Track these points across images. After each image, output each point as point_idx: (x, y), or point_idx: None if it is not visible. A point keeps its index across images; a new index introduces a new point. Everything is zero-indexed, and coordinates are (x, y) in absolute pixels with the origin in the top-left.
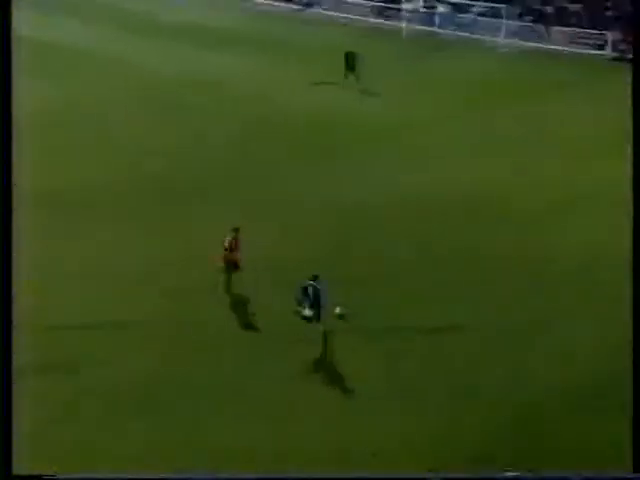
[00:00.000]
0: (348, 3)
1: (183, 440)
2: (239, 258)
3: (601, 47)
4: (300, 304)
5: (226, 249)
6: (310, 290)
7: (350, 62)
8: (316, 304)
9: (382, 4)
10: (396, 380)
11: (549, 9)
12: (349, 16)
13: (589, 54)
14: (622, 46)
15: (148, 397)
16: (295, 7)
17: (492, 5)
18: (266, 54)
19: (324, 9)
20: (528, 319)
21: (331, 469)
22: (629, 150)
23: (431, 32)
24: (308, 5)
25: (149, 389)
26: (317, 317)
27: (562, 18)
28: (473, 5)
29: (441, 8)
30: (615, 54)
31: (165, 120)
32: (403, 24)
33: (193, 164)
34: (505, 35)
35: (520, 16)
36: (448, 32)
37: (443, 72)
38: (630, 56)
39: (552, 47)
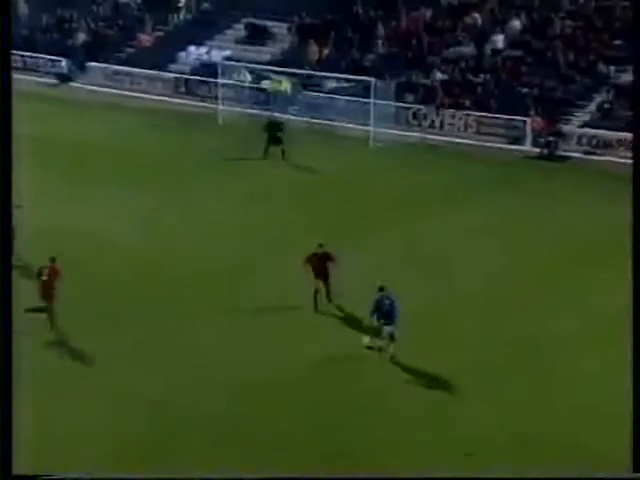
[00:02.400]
0: (132, 74)
1: None
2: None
3: (516, 140)
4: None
5: None
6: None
7: (273, 133)
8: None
9: (189, 76)
10: None
11: (439, 83)
12: (134, 94)
13: (498, 149)
14: (545, 139)
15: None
16: (44, 81)
17: (355, 79)
18: None
19: (90, 83)
20: None
21: None
22: None
23: (262, 117)
24: (64, 78)
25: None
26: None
27: (459, 96)
28: (327, 78)
29: (282, 84)
30: (536, 150)
31: None
32: (219, 106)
33: None
34: (377, 122)
35: (398, 94)
36: (290, 117)
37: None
38: (559, 152)
39: (445, 139)
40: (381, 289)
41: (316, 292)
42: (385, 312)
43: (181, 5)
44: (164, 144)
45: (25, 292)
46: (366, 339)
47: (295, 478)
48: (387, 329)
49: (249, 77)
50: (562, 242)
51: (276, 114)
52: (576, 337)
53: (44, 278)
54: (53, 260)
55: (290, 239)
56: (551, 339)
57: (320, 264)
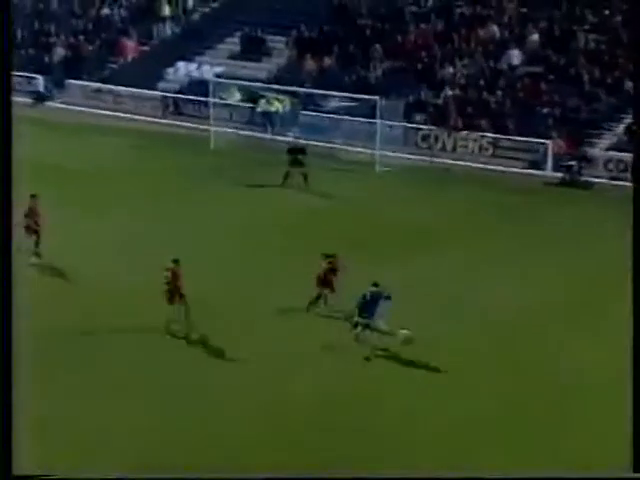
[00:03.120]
0: (115, 93)
1: None
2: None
3: (536, 164)
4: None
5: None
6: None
7: (294, 156)
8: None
9: (178, 95)
10: None
11: (452, 102)
12: (117, 114)
13: (516, 174)
14: (567, 163)
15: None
16: (18, 100)
17: (359, 97)
18: None
19: (69, 102)
20: None
21: None
22: None
23: (260, 139)
24: (40, 97)
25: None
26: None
27: (473, 116)
28: (329, 96)
29: (274, 101)
30: (557, 175)
31: None
32: (211, 128)
33: None
34: (383, 144)
35: (407, 114)
36: (290, 139)
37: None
38: (583, 178)
39: (458, 163)
40: (375, 285)
41: (318, 297)
42: (367, 306)
43: (166, 16)
44: (151, 169)
45: None
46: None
47: (295, 478)
48: (362, 321)
49: (239, 96)
50: (585, 276)
51: (274, 137)
52: (595, 371)
53: (167, 281)
54: (175, 262)
55: (286, 270)
56: (570, 370)
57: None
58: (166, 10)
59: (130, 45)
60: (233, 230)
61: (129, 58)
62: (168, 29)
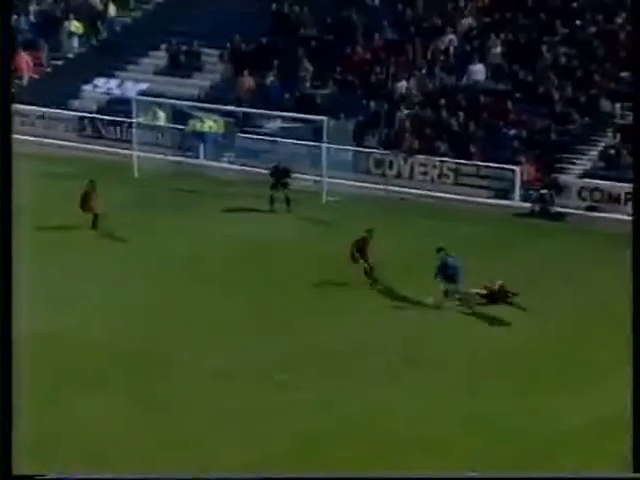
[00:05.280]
0: (22, 113)
1: None
2: None
3: (503, 193)
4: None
5: None
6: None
7: (279, 178)
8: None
9: (95, 115)
10: None
11: (407, 123)
12: (25, 137)
13: (481, 204)
14: (538, 191)
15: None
16: None
17: (303, 118)
18: None
19: None
20: None
21: None
22: None
23: (192, 166)
24: None
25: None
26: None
27: (432, 139)
28: (269, 117)
29: (207, 122)
30: (527, 205)
31: None
32: (135, 153)
33: None
34: (331, 170)
35: (357, 136)
36: (223, 165)
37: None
38: (555, 208)
39: (416, 191)
40: (440, 250)
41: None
42: (449, 272)
43: (77, 33)
44: (65, 199)
45: None
46: (430, 299)
47: (295, 478)
48: (451, 287)
49: (163, 116)
50: (557, 317)
51: (207, 162)
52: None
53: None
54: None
55: (219, 325)
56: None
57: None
58: (76, 26)
59: (35, 58)
60: (161, 269)
61: (37, 73)
62: (76, 42)
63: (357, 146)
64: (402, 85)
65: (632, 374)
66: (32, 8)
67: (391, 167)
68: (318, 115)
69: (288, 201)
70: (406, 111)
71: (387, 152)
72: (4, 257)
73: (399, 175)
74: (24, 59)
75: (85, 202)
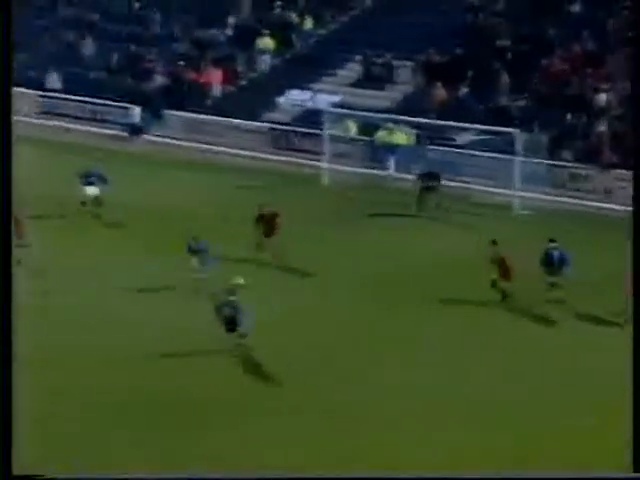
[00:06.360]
0: (219, 125)
1: None
2: None
3: None
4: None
5: None
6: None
7: (427, 183)
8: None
9: (289, 127)
10: None
11: (605, 136)
12: (221, 148)
13: None
14: None
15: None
16: (110, 132)
17: (496, 130)
18: None
19: (167, 136)
20: None
21: None
22: None
23: (382, 178)
24: (135, 129)
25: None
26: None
27: (632, 154)
28: (460, 129)
29: (397, 134)
30: None
31: None
32: (324, 164)
33: None
34: (523, 184)
35: (552, 150)
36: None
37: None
38: None
39: (614, 207)
40: (552, 241)
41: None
42: (555, 264)
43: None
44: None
45: None
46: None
47: (295, 478)
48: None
49: (355, 129)
50: None
51: (396, 173)
52: None
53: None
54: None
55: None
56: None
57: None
58: (266, 42)
59: (231, 70)
60: (352, 284)
61: (233, 85)
62: (267, 58)
63: (552, 159)
64: (601, 98)
65: (632, 373)
66: (230, 21)
67: (588, 181)
68: (512, 128)
69: (438, 206)
70: (604, 123)
71: (584, 166)
72: (4, 255)
73: (595, 190)
74: (215, 73)
75: (271, 228)
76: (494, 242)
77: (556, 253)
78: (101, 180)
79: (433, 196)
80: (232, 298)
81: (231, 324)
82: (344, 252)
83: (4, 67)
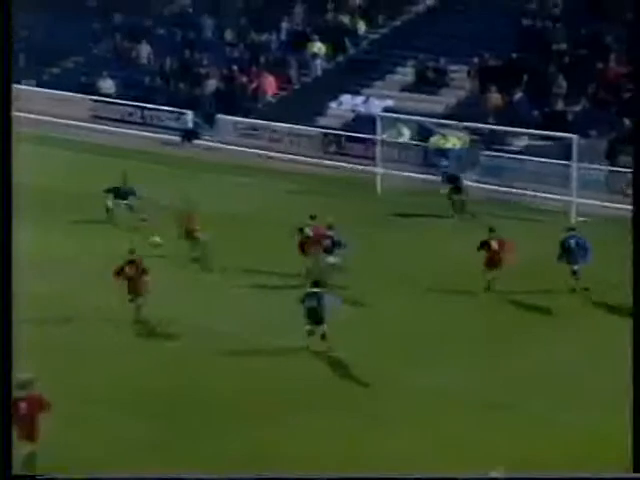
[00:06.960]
0: (271, 129)
1: None
2: None
3: None
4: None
5: None
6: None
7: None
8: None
9: (341, 132)
10: None
11: None
12: (273, 153)
13: None
14: None
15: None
16: (164, 137)
17: (552, 135)
18: None
19: (220, 140)
20: None
21: None
22: None
23: (435, 183)
24: (188, 134)
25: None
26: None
27: None
28: (515, 134)
29: (450, 139)
30: None
31: None
32: (379, 170)
33: None
34: (581, 190)
35: (610, 155)
36: (468, 183)
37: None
38: None
39: None
40: (570, 229)
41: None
42: (573, 251)
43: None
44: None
45: None
46: None
47: (295, 478)
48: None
49: (408, 134)
50: None
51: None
52: None
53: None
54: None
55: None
56: None
57: None
58: (318, 47)
59: (284, 75)
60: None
61: (286, 90)
62: (319, 62)
63: (610, 165)
64: None
65: (632, 374)
66: (283, 25)
67: None
68: (568, 133)
69: (463, 206)
70: None
71: None
72: (4, 254)
73: None
74: (267, 79)
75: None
76: (491, 230)
77: (572, 241)
78: (130, 194)
79: (459, 197)
80: (316, 290)
81: (314, 316)
82: (400, 255)
83: (4, 67)
